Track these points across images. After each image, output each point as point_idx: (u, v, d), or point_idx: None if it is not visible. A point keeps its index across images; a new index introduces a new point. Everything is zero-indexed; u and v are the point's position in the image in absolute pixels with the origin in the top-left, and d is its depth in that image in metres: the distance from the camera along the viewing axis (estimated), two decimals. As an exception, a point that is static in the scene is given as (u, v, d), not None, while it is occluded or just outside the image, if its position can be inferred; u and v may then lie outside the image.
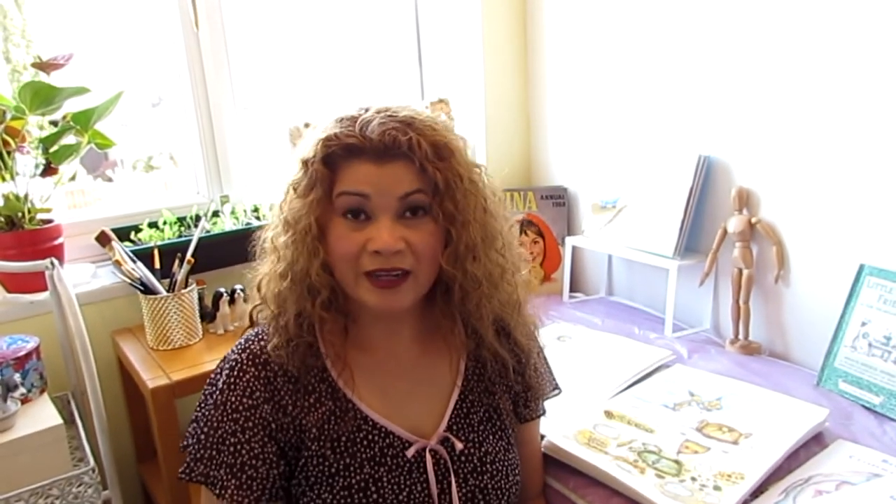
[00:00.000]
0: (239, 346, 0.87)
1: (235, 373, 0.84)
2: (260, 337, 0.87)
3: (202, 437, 0.83)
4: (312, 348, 0.86)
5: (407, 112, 0.82)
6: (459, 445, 0.88)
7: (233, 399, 0.83)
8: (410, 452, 0.86)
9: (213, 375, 0.89)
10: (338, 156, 0.81)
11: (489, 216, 0.86)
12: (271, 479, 0.82)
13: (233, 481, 0.81)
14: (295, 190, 0.83)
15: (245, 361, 0.85)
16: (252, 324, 0.92)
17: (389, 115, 0.80)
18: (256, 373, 0.84)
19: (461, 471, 0.88)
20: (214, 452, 0.82)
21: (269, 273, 0.87)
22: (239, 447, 0.81)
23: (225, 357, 0.88)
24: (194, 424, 0.87)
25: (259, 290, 0.89)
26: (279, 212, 0.85)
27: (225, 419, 0.82)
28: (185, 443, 0.87)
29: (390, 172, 0.79)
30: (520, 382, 0.97)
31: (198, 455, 0.83)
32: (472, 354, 0.94)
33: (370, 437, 0.85)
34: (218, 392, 0.84)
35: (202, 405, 0.88)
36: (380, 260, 0.79)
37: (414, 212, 0.81)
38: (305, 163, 0.82)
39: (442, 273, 0.84)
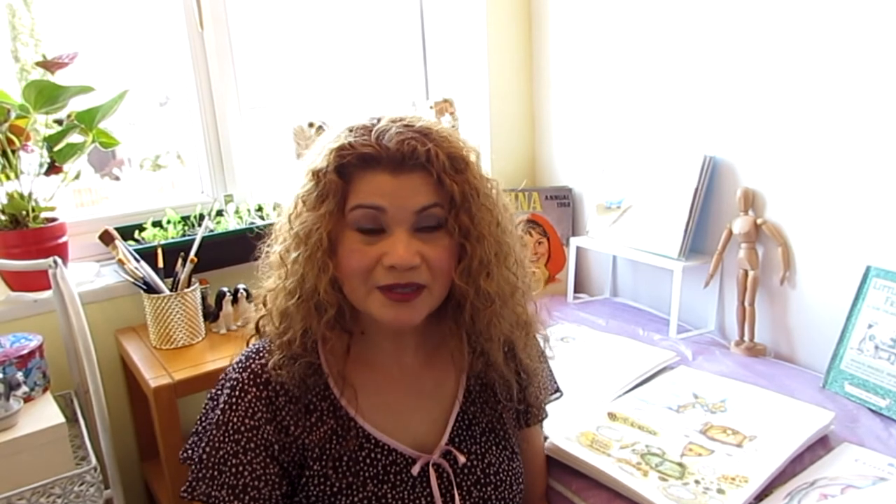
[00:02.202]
0: (240, 365, 0.85)
1: (237, 393, 0.82)
2: (260, 354, 0.85)
3: (204, 456, 0.82)
4: (314, 367, 0.84)
5: (422, 123, 0.80)
6: (462, 459, 0.87)
7: (234, 420, 0.81)
8: (416, 470, 0.84)
9: (213, 390, 0.87)
10: (352, 166, 0.78)
11: (502, 231, 0.84)
12: (274, 499, 0.81)
13: (235, 502, 0.80)
14: (304, 202, 0.80)
15: (246, 381, 0.83)
16: (258, 332, 0.90)
17: (406, 125, 0.78)
18: (258, 393, 0.82)
19: (464, 483, 0.87)
20: (216, 473, 0.81)
21: (276, 288, 0.84)
22: (241, 468, 0.80)
23: (226, 374, 0.86)
24: (195, 438, 0.86)
25: (265, 303, 0.87)
26: (288, 225, 0.82)
27: (226, 440, 0.81)
28: (185, 454, 0.86)
29: (407, 184, 0.77)
30: (522, 402, 0.96)
31: (199, 474, 0.82)
32: (475, 371, 0.92)
33: (373, 455, 0.84)
34: (219, 411, 0.83)
35: (202, 419, 0.86)
36: (395, 275, 0.77)
37: (430, 226, 0.79)
38: (316, 174, 0.79)
39: (454, 289, 0.82)
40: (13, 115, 1.35)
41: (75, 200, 1.92)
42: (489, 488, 0.89)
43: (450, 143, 0.80)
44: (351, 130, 0.80)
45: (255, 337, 0.91)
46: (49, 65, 1.37)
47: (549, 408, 1.04)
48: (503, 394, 0.93)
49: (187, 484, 0.83)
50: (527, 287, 0.88)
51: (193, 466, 0.83)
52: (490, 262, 0.81)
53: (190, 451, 0.86)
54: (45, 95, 1.34)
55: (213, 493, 0.80)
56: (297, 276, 0.80)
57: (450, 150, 0.79)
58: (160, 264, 1.44)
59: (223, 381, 0.86)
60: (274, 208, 1.73)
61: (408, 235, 0.77)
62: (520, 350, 0.91)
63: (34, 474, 1.14)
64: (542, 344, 0.98)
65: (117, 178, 2.13)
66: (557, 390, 1.05)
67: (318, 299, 0.80)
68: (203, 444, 0.83)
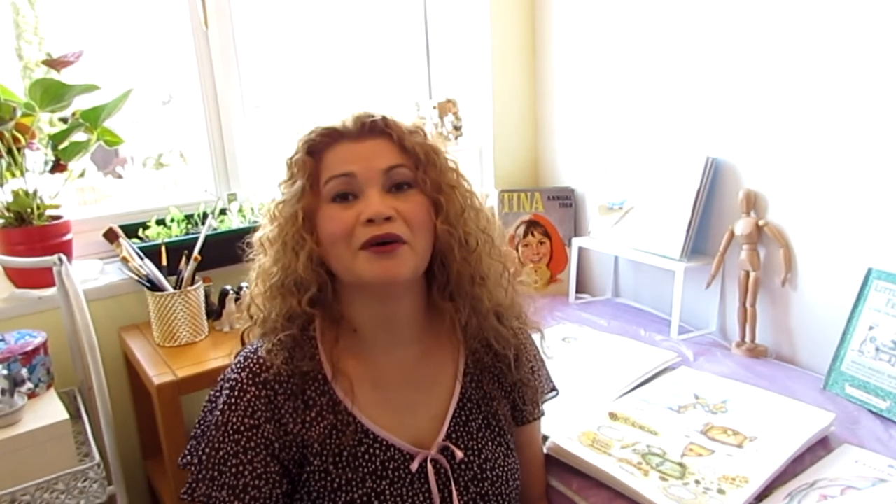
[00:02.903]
0: (238, 365, 0.86)
1: (236, 393, 0.83)
2: (258, 354, 0.86)
3: (203, 457, 0.83)
4: (307, 350, 0.86)
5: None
6: (459, 454, 0.88)
7: (234, 420, 0.82)
8: (414, 466, 0.85)
9: (212, 393, 0.88)
10: (319, 143, 0.84)
11: (470, 190, 0.90)
12: (274, 498, 0.82)
13: (235, 502, 0.80)
14: (281, 188, 0.87)
15: (245, 381, 0.84)
16: (243, 345, 0.92)
17: (362, 109, 0.86)
18: (257, 392, 0.83)
19: (462, 479, 0.88)
20: (216, 473, 0.81)
21: (257, 273, 0.88)
22: (241, 468, 0.81)
23: (224, 376, 0.88)
24: (194, 442, 0.87)
25: (247, 309, 0.89)
26: (267, 210, 0.88)
27: (226, 440, 0.82)
28: (185, 460, 0.87)
29: (371, 147, 0.83)
30: (517, 373, 0.96)
31: (199, 476, 0.82)
32: (470, 360, 0.94)
33: (371, 450, 0.85)
34: (218, 412, 0.84)
35: (202, 423, 0.87)
36: (373, 227, 0.80)
37: (400, 187, 0.83)
38: (289, 161, 0.86)
39: (438, 244, 0.85)
40: (19, 113, 1.35)
41: (78, 198, 1.93)
42: (486, 484, 0.90)
43: (403, 119, 0.87)
44: (316, 123, 0.87)
45: (243, 349, 0.91)
46: (55, 63, 1.38)
47: (549, 407, 1.04)
48: (496, 378, 0.95)
49: (187, 486, 0.83)
50: (502, 240, 0.93)
51: (193, 468, 0.84)
52: (466, 209, 0.87)
53: (189, 456, 0.86)
54: (51, 94, 1.35)
55: (213, 494, 0.81)
56: (274, 253, 0.85)
57: (406, 122, 0.86)
58: (164, 262, 1.45)
59: (221, 383, 0.87)
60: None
61: (380, 193, 0.82)
62: (507, 311, 0.93)
63: (38, 470, 1.15)
64: (538, 343, 1.01)
65: (120, 177, 2.14)
66: (554, 389, 1.06)
67: (297, 276, 0.83)
68: (203, 446, 0.84)
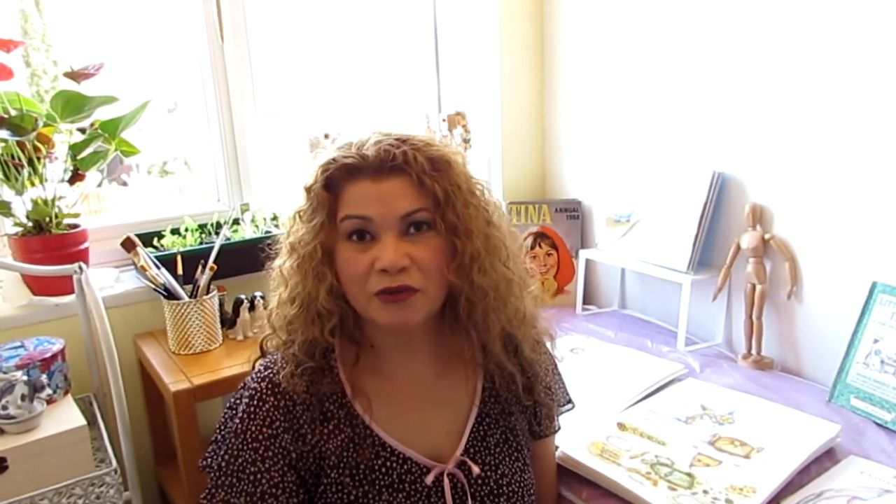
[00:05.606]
0: (258, 374, 0.88)
1: (255, 402, 0.85)
2: (278, 365, 0.87)
3: (223, 463, 0.84)
4: (327, 374, 0.87)
5: (403, 132, 0.84)
6: (476, 469, 0.88)
7: (252, 428, 0.84)
8: (429, 479, 0.86)
9: (232, 400, 0.90)
10: (338, 178, 0.82)
11: (492, 228, 0.86)
12: None
13: None
14: (300, 217, 0.85)
15: (264, 391, 0.85)
16: (263, 354, 0.93)
17: (385, 135, 0.83)
18: (276, 402, 0.85)
19: (478, 494, 0.89)
20: (235, 480, 0.83)
21: (278, 301, 0.88)
22: (259, 476, 0.82)
23: (244, 383, 0.89)
24: (214, 446, 0.89)
25: (269, 320, 0.90)
26: (286, 239, 0.87)
27: (245, 448, 0.83)
28: (205, 463, 0.89)
29: (389, 190, 0.80)
30: (530, 399, 0.97)
31: (218, 482, 0.84)
32: (488, 375, 0.94)
33: (388, 463, 0.85)
34: (238, 420, 0.85)
35: (222, 428, 0.89)
36: (387, 278, 0.79)
37: (418, 227, 0.81)
38: (308, 190, 0.84)
39: (451, 287, 0.84)
40: (40, 123, 1.38)
41: (85, 207, 1.95)
42: (502, 499, 0.90)
43: (430, 147, 0.83)
44: (337, 148, 0.84)
45: (260, 358, 0.93)
46: (76, 75, 1.40)
47: (560, 418, 1.06)
48: (513, 395, 0.94)
49: (206, 491, 0.85)
50: (523, 282, 0.90)
51: (213, 474, 0.85)
52: (481, 257, 0.83)
53: (209, 460, 0.88)
54: (72, 105, 1.38)
55: (231, 500, 0.82)
56: (294, 286, 0.84)
57: (429, 153, 0.82)
58: (179, 271, 1.47)
59: (242, 391, 0.89)
60: (288, 218, 1.74)
61: (396, 239, 0.80)
62: (521, 343, 0.92)
63: (56, 475, 1.17)
64: (548, 345, 1.00)
65: (125, 184, 2.16)
66: (570, 402, 1.07)
67: (318, 307, 0.83)
68: (222, 453, 0.85)
